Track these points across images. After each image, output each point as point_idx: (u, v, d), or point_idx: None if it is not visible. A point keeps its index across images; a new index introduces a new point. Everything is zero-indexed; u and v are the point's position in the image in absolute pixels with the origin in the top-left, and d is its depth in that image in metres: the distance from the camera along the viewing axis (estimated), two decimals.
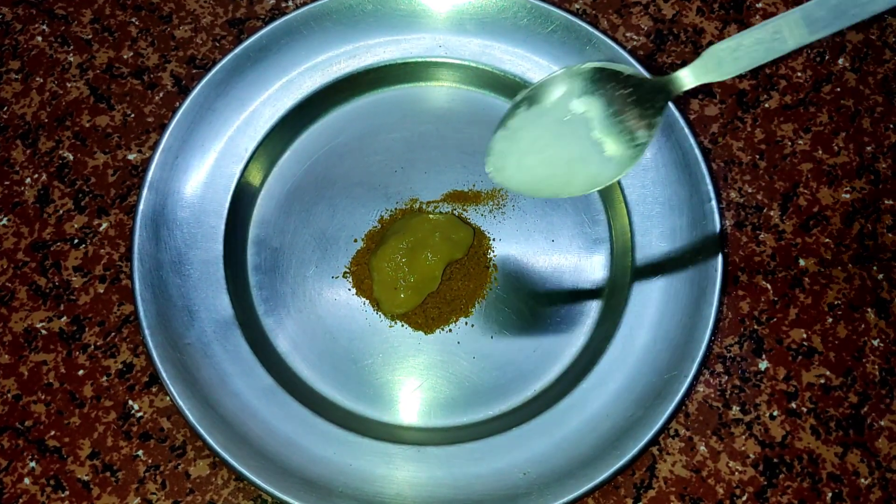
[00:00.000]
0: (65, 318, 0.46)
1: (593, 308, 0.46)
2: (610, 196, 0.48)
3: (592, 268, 0.47)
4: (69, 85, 0.51)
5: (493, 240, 0.48)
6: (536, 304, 0.46)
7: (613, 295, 0.46)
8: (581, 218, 0.48)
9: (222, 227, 0.46)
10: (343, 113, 0.50)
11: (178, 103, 0.50)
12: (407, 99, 0.50)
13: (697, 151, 0.46)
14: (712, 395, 0.45)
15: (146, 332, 0.42)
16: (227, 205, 0.46)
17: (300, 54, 0.48)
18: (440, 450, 0.42)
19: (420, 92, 0.50)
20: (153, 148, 0.47)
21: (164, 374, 0.42)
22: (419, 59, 0.49)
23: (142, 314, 0.43)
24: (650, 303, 0.44)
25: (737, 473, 0.44)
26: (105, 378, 0.45)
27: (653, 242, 0.45)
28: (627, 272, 0.45)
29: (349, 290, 0.47)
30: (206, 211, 0.46)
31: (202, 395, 0.42)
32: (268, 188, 0.49)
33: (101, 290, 0.47)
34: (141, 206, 0.45)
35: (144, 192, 0.45)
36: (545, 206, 0.48)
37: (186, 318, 0.44)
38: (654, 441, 0.41)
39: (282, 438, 0.42)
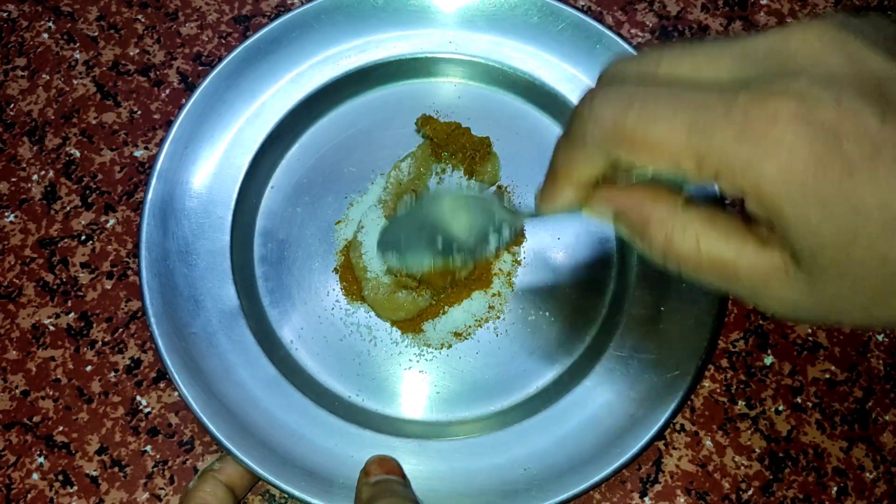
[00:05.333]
0: (72, 314, 0.46)
1: (597, 305, 0.46)
2: None
3: (597, 265, 0.47)
4: (76, 82, 0.51)
5: None
6: (540, 301, 0.46)
7: (618, 292, 0.46)
8: (585, 219, 0.48)
9: (229, 217, 0.46)
10: (352, 107, 0.50)
11: (184, 100, 0.50)
12: (416, 94, 0.50)
13: None
14: (718, 390, 0.45)
15: (152, 320, 0.43)
16: (234, 196, 0.46)
17: (310, 48, 0.48)
18: (441, 443, 0.42)
19: (429, 87, 0.50)
20: (163, 137, 0.47)
21: (169, 364, 0.42)
22: (429, 55, 0.49)
23: (148, 303, 0.43)
24: (655, 300, 0.44)
25: (742, 468, 0.44)
26: (113, 374, 0.45)
27: None
28: (632, 270, 0.45)
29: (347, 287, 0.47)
30: (214, 201, 0.46)
31: (206, 384, 0.42)
32: (276, 180, 0.49)
33: (109, 287, 0.47)
34: (149, 196, 0.45)
35: (153, 181, 0.45)
36: None
37: (192, 308, 0.44)
38: (654, 440, 0.41)
39: (285, 429, 0.42)
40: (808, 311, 0.25)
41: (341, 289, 0.46)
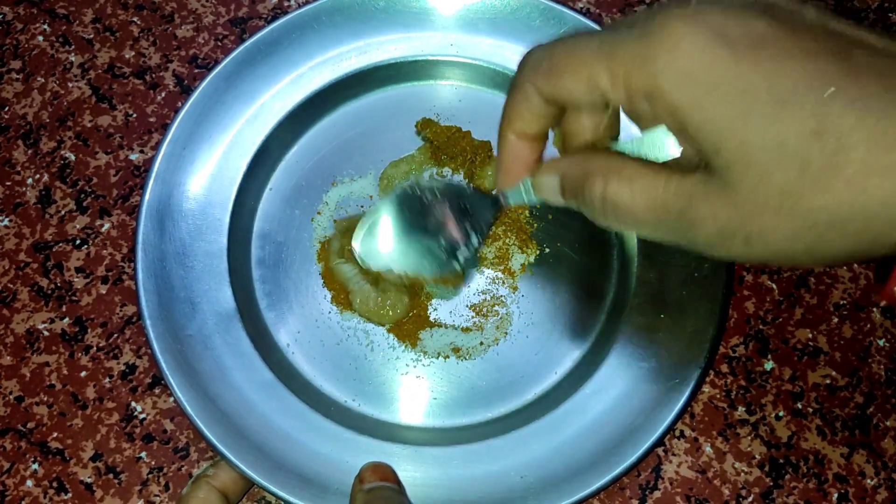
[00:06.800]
0: (67, 319, 0.46)
1: (597, 312, 0.46)
2: None
3: (597, 272, 0.47)
4: (71, 85, 0.51)
5: None
6: (540, 307, 0.46)
7: (617, 300, 0.46)
8: (586, 223, 0.47)
9: (227, 219, 0.46)
10: (352, 109, 0.50)
11: (180, 103, 0.50)
12: (416, 97, 0.50)
13: None
14: (718, 396, 0.45)
15: (147, 322, 0.42)
16: (232, 197, 0.46)
17: (310, 49, 0.48)
18: (438, 450, 0.42)
19: (430, 90, 0.50)
20: (159, 140, 0.46)
21: (164, 366, 0.41)
22: (430, 58, 0.49)
23: (144, 304, 0.42)
24: (655, 308, 0.44)
25: (743, 474, 0.44)
26: (108, 379, 0.45)
27: (656, 245, 0.45)
28: (632, 277, 0.45)
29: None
30: (212, 203, 0.46)
31: (202, 387, 0.42)
32: (274, 182, 0.48)
33: (104, 291, 0.47)
34: (147, 197, 0.44)
35: (150, 182, 0.45)
36: (550, 212, 0.48)
37: (188, 310, 0.43)
38: (653, 449, 0.41)
39: (279, 433, 0.42)
40: (732, 228, 0.25)
41: (331, 299, 0.46)
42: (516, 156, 0.32)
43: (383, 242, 0.38)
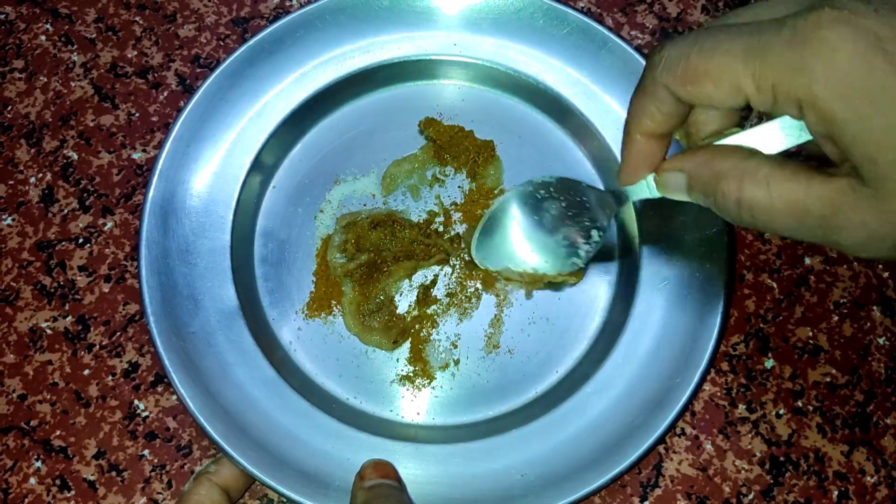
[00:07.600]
0: (70, 317, 0.46)
1: (598, 312, 0.46)
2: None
3: (598, 271, 0.47)
4: (73, 84, 0.51)
5: None
6: (541, 306, 0.46)
7: (619, 299, 0.46)
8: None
9: (230, 217, 0.46)
10: (355, 108, 0.50)
11: (182, 102, 0.50)
12: (419, 96, 0.50)
13: None
14: (718, 394, 0.45)
15: (151, 319, 0.42)
16: (236, 195, 0.46)
17: (314, 48, 0.48)
18: (439, 448, 0.42)
19: (433, 89, 0.50)
20: (161, 139, 0.46)
21: (166, 362, 0.42)
22: (433, 57, 0.49)
23: (147, 301, 0.43)
24: (655, 307, 0.44)
25: (743, 472, 0.44)
26: (111, 377, 0.45)
27: (658, 244, 0.45)
28: (634, 275, 0.45)
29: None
30: (215, 201, 0.46)
31: (204, 384, 0.42)
32: (277, 180, 0.48)
33: (107, 290, 0.47)
34: (150, 194, 0.45)
35: (154, 179, 0.45)
36: None
37: (191, 307, 0.44)
38: (653, 447, 0.41)
39: (281, 431, 0.42)
40: (882, 235, 0.25)
41: (306, 306, 0.46)
42: (642, 154, 0.32)
43: (499, 242, 0.38)
